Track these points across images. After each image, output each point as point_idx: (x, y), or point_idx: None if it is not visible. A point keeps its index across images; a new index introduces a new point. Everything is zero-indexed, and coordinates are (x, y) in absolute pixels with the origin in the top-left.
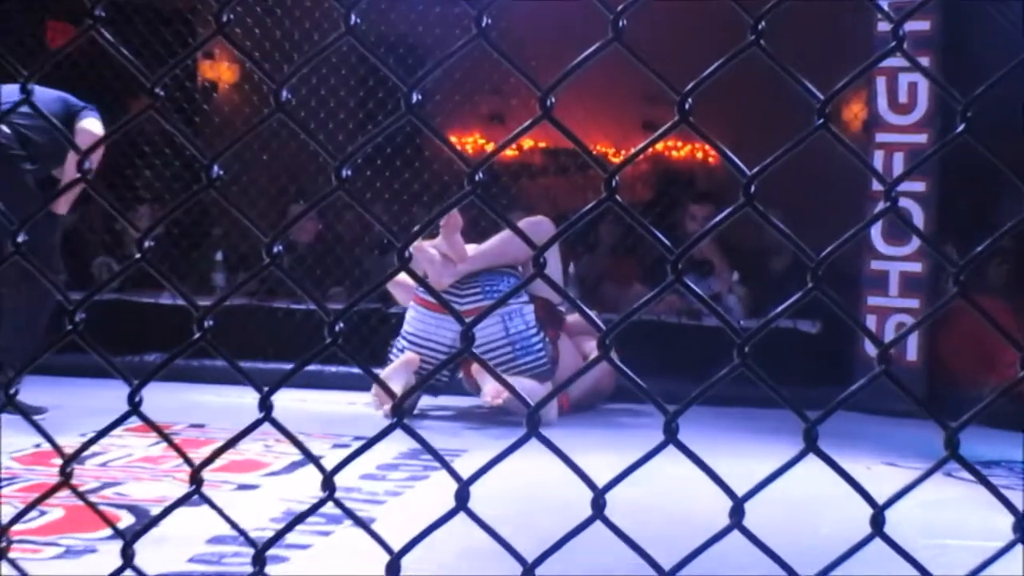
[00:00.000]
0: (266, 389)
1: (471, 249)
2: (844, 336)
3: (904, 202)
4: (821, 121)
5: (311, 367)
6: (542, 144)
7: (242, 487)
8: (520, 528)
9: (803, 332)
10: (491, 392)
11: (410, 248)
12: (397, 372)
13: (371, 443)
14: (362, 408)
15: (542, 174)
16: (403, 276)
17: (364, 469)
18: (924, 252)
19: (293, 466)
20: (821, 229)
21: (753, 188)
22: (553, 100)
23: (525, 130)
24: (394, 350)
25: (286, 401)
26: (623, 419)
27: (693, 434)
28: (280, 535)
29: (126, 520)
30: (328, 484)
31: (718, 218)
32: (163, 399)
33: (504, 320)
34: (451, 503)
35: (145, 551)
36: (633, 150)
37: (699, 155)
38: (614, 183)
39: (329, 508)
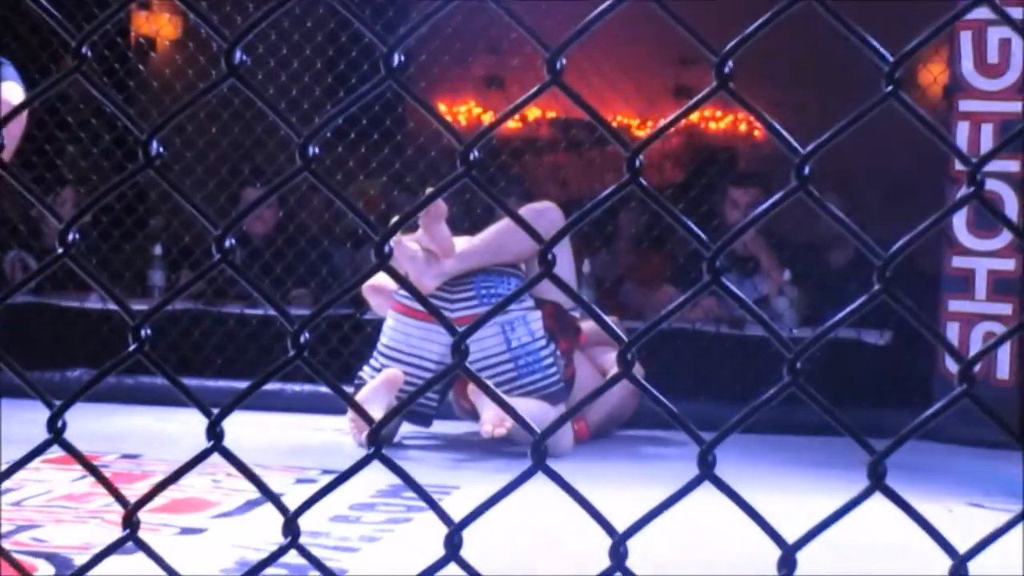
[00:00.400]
0: (215, 412)
1: (463, 243)
2: (920, 349)
3: (993, 184)
4: (890, 88)
5: (270, 386)
6: (550, 114)
7: (186, 531)
8: None
9: (870, 344)
10: (492, 420)
11: (394, 244)
12: (377, 393)
13: (342, 478)
14: (332, 435)
15: (550, 150)
16: (380, 278)
17: (335, 510)
18: (1019, 247)
19: (248, 505)
20: (892, 218)
21: (808, 169)
22: (564, 62)
23: (530, 98)
24: (366, 368)
25: (240, 426)
26: (649, 449)
27: (734, 467)
28: None
29: (44, 570)
30: (290, 528)
31: (765, 205)
32: (90, 424)
33: (504, 330)
34: (439, 551)
35: None
36: (662, 122)
37: (742, 128)
38: (638, 162)
39: (292, 557)
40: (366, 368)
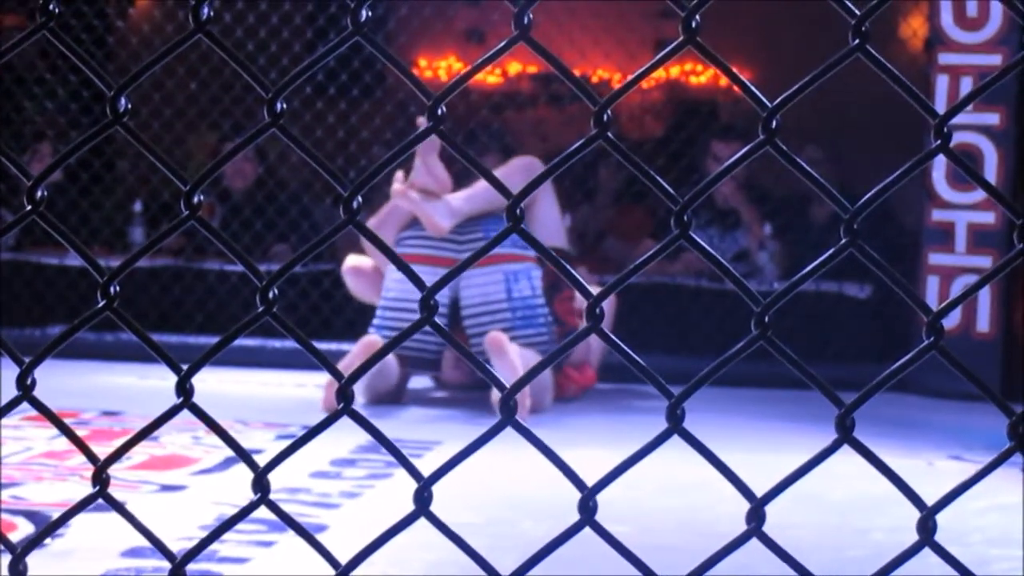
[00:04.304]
0: (185, 368)
1: (463, 194)
2: (902, 302)
3: (973, 138)
4: (857, 41)
5: (251, 342)
6: (531, 69)
7: (166, 488)
8: (500, 537)
9: (851, 298)
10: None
11: (395, 194)
12: (355, 363)
13: (313, 433)
14: (314, 392)
15: (531, 105)
16: (360, 259)
17: (315, 466)
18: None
19: (228, 462)
20: (881, 172)
21: (775, 122)
22: (531, 16)
23: (498, 53)
24: (371, 328)
25: (220, 383)
26: (633, 403)
27: (711, 422)
28: (204, 545)
29: (24, 529)
30: (260, 484)
31: (732, 159)
32: (71, 381)
33: (508, 279)
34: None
35: (44, 566)
36: (631, 77)
37: (723, 81)
38: (606, 116)
39: (271, 512)
40: (372, 328)
